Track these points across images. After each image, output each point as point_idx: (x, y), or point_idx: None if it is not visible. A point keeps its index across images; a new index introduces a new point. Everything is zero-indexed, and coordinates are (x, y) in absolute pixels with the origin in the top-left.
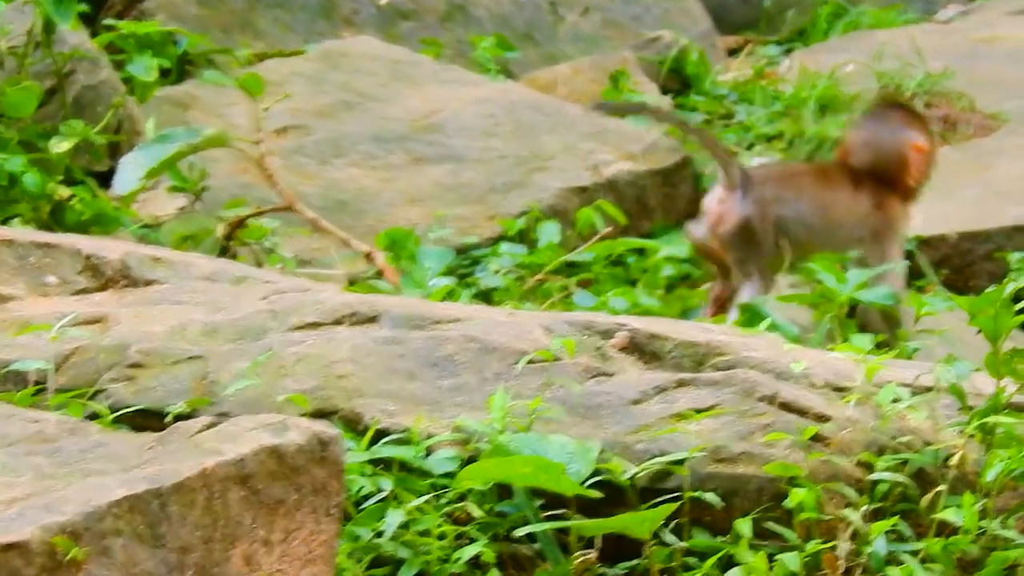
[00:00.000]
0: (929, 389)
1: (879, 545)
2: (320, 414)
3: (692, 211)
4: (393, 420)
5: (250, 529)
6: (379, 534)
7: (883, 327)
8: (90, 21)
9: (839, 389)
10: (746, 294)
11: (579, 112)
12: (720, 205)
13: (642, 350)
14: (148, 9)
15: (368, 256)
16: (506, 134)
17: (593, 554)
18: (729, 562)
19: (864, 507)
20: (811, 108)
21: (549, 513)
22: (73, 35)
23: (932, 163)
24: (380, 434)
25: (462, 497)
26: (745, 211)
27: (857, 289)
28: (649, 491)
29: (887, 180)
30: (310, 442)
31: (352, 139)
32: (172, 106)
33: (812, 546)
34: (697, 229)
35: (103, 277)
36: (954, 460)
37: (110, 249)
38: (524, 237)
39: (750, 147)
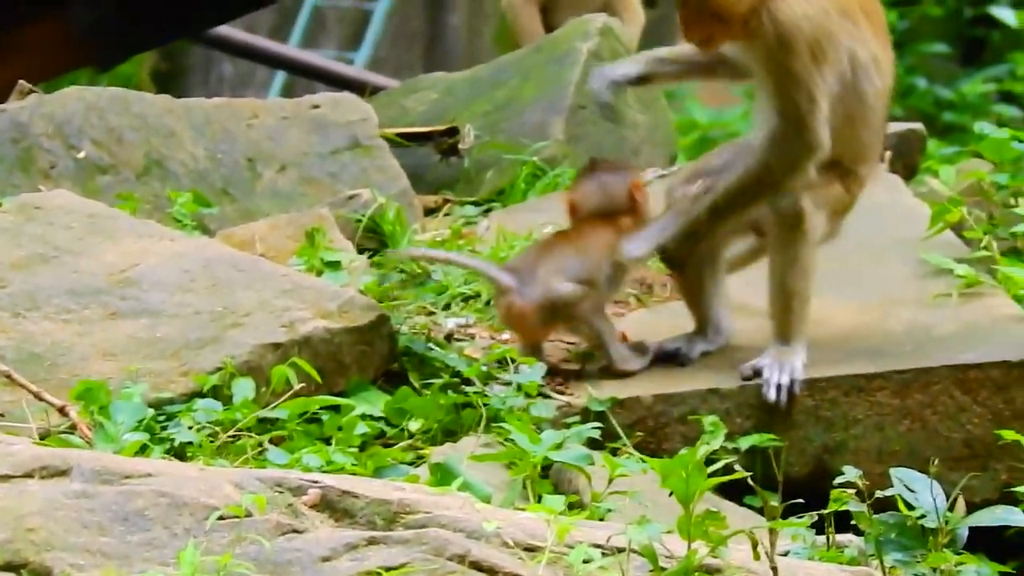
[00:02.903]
0: (621, 550)
1: None
2: (9, 567)
3: (388, 369)
4: (83, 574)
5: None
6: None
7: None
8: None
9: (530, 549)
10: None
11: (275, 269)
12: (512, 309)
13: (334, 507)
14: None
15: (61, 410)
16: (202, 289)
17: None
18: None
19: None
20: None
21: None
22: None
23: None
24: None
25: None
26: (535, 296)
27: (551, 450)
28: None
29: (619, 214)
30: None
31: (47, 292)
32: None
33: None
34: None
35: None
36: None
37: None
38: (218, 393)
39: (446, 307)
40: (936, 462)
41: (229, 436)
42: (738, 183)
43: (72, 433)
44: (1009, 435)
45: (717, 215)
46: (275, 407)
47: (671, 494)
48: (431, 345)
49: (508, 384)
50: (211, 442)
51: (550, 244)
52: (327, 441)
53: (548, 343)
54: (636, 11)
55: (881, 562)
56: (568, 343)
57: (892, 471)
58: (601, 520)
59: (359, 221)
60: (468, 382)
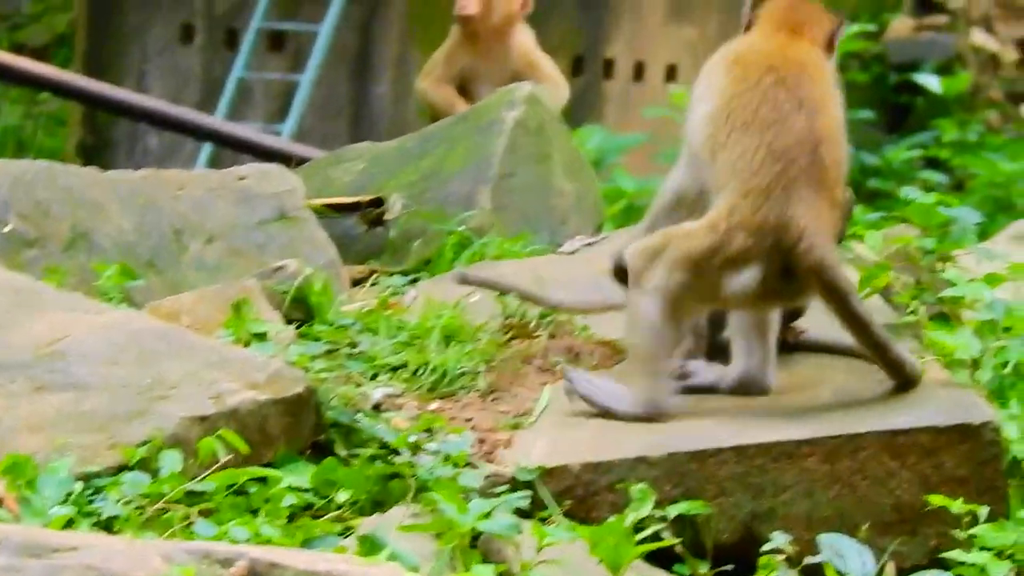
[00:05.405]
0: None
1: None
2: None
3: (316, 441)
4: None
5: None
6: None
7: None
8: None
9: None
10: None
11: (202, 341)
12: None
13: None
14: None
15: None
16: (129, 362)
17: None
18: None
19: None
20: (435, 338)
21: None
22: None
23: None
24: None
25: None
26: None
27: (479, 519)
28: None
29: None
30: None
31: None
32: None
33: None
34: None
35: None
36: None
37: None
38: (146, 466)
39: (374, 377)
40: (866, 527)
41: (157, 509)
42: None
43: None
44: (938, 500)
45: None
46: (202, 479)
47: (600, 562)
48: (358, 416)
49: (436, 454)
50: (139, 515)
51: None
52: (255, 513)
53: (479, 412)
54: (557, 80)
55: None
56: (502, 412)
57: (821, 537)
58: None
59: (286, 292)
60: (396, 452)
